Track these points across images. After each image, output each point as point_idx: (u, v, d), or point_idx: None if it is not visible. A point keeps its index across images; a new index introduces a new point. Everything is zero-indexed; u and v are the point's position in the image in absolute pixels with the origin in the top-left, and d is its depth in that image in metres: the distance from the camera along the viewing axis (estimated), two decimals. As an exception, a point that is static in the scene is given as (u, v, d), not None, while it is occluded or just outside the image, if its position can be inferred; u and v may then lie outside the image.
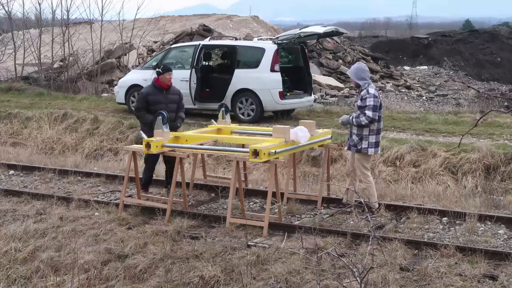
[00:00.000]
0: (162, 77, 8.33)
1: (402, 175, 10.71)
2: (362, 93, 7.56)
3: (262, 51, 13.96)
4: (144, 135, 7.80)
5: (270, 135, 7.77)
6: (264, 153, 6.76)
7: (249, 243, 6.61)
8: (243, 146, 8.24)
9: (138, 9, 30.03)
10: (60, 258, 6.64)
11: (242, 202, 7.48)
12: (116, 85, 17.71)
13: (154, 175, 10.04)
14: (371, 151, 7.62)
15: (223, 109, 8.72)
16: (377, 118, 7.51)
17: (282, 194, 8.06)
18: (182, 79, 14.34)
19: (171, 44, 23.33)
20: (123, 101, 15.39)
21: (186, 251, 6.46)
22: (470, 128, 11.15)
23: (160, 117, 7.53)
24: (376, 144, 7.64)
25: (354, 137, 7.63)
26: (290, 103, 14.35)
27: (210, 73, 15.27)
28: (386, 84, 26.45)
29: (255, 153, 6.74)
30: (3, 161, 10.80)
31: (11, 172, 10.29)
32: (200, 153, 8.87)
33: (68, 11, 23.17)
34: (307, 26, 16.42)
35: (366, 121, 7.45)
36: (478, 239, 6.82)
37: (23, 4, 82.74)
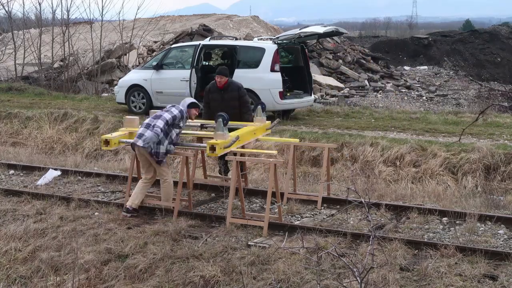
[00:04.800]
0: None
1: (402, 175, 10.71)
2: None
3: (262, 51, 13.96)
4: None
5: None
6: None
7: (249, 243, 6.61)
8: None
9: (138, 9, 30.20)
10: (60, 258, 6.64)
11: (242, 202, 7.48)
12: (116, 85, 17.72)
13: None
14: None
15: (259, 106, 8.72)
16: None
17: (282, 194, 8.07)
18: (182, 79, 14.35)
19: (171, 44, 23.33)
20: (123, 101, 15.40)
21: (186, 251, 6.46)
22: (472, 121, 11.16)
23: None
24: None
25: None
26: (290, 103, 14.34)
27: (210, 73, 15.26)
28: (386, 84, 26.46)
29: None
30: (3, 161, 10.80)
31: (11, 172, 10.28)
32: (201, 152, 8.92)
33: (68, 11, 23.24)
34: (307, 26, 16.42)
35: None
36: (478, 239, 6.82)
37: (23, 4, 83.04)
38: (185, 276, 6.07)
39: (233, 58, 14.75)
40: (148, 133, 7.47)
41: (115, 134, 8.06)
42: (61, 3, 37.15)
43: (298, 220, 7.69)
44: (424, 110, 18.86)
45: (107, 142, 7.69)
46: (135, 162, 8.08)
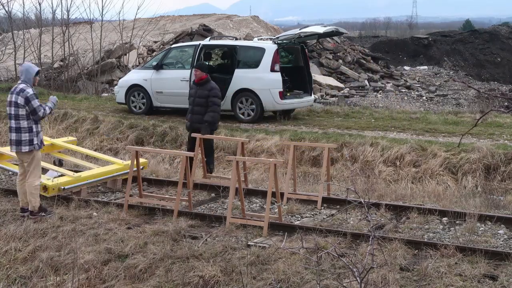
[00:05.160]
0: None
1: (402, 175, 10.71)
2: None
3: (262, 51, 13.95)
4: None
5: None
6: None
7: (249, 243, 6.61)
8: None
9: (138, 9, 30.21)
10: (60, 258, 6.64)
11: (242, 202, 7.48)
12: (116, 85, 17.72)
13: (154, 175, 10.08)
14: None
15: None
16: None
17: (282, 194, 8.07)
18: (182, 79, 14.34)
19: (171, 44, 23.33)
20: (123, 101, 15.39)
21: (186, 251, 6.46)
22: (470, 128, 11.17)
23: None
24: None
25: None
26: (290, 103, 14.34)
27: (210, 73, 15.22)
28: (386, 84, 26.46)
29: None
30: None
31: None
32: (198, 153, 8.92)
33: (68, 11, 23.25)
34: (307, 26, 16.42)
35: None
36: (478, 239, 6.82)
37: (23, 4, 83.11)
38: (185, 276, 6.07)
39: (233, 58, 14.76)
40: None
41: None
42: (61, 3, 37.18)
43: (298, 220, 7.69)
44: (424, 110, 18.86)
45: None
46: (135, 162, 8.08)
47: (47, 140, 10.22)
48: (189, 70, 14.29)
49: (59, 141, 10.28)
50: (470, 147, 11.06)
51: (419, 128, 13.46)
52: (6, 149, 9.35)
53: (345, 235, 6.75)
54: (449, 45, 36.84)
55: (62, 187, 8.25)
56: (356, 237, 6.72)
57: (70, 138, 10.83)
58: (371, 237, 4.28)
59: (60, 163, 9.71)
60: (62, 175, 8.72)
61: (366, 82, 26.06)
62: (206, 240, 6.83)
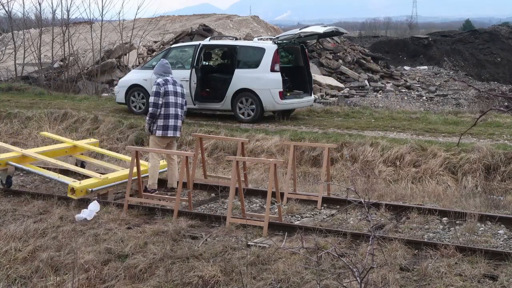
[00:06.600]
0: None
1: (402, 175, 10.71)
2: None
3: (262, 51, 13.95)
4: None
5: None
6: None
7: (249, 243, 6.61)
8: None
9: (138, 9, 30.22)
10: (60, 258, 6.64)
11: (242, 202, 7.48)
12: (116, 85, 17.73)
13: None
14: (158, 133, 8.71)
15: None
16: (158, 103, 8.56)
17: (282, 194, 8.07)
18: (182, 79, 14.33)
19: (171, 44, 23.34)
20: (123, 101, 15.40)
21: (186, 251, 6.46)
22: (470, 126, 11.19)
23: None
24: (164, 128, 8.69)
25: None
26: (290, 103, 14.34)
27: (210, 73, 15.26)
28: (386, 84, 26.46)
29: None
30: (3, 161, 10.78)
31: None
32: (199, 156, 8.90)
33: (68, 11, 23.26)
34: (307, 26, 16.42)
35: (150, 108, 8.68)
36: (478, 239, 6.82)
37: (23, 4, 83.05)
38: (185, 276, 6.07)
39: (233, 58, 14.76)
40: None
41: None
42: (61, 3, 37.28)
43: (298, 220, 7.69)
44: (424, 110, 18.86)
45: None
46: (135, 162, 8.08)
47: (69, 142, 10.26)
48: (189, 70, 14.30)
49: (82, 143, 10.22)
50: (470, 147, 11.06)
51: (419, 128, 13.46)
52: (30, 151, 9.54)
53: (345, 235, 6.75)
54: (449, 45, 36.84)
55: (90, 189, 8.19)
56: (356, 237, 6.72)
57: (92, 140, 10.76)
58: (371, 237, 4.28)
59: (82, 165, 9.79)
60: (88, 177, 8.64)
61: (366, 82, 26.06)
62: (206, 240, 6.83)
